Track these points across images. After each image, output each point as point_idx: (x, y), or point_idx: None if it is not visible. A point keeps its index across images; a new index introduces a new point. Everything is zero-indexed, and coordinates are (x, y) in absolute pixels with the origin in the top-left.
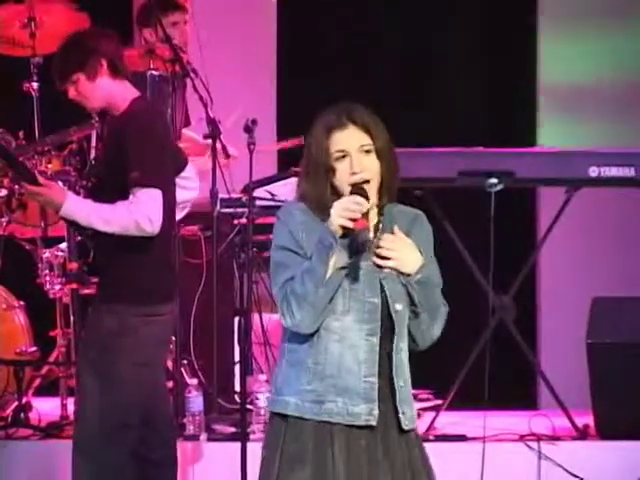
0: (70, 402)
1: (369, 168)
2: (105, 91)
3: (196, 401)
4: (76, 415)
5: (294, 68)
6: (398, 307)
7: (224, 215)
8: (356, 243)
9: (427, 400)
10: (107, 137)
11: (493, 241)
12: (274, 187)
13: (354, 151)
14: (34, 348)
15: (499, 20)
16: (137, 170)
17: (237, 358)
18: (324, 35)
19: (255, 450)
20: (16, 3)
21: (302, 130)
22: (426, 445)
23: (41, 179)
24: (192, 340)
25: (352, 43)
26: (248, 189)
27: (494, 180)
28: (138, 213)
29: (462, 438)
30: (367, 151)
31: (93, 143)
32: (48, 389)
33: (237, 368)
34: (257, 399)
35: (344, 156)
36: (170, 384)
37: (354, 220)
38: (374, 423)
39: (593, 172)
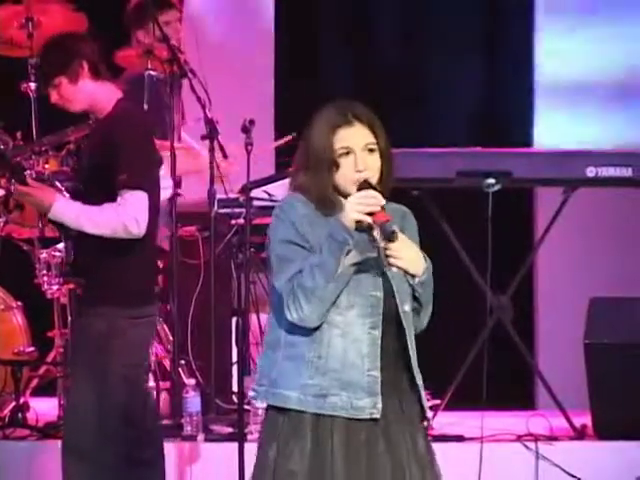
0: None
1: (372, 167)
2: (87, 93)
3: (194, 401)
4: (67, 418)
5: (292, 68)
6: (407, 308)
7: (222, 215)
8: (384, 235)
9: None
10: (93, 139)
11: (491, 241)
12: (272, 187)
13: (359, 149)
14: (32, 348)
15: (498, 19)
16: (125, 172)
17: (235, 358)
18: (322, 35)
19: (253, 450)
20: (14, 4)
21: (300, 131)
22: None
23: (31, 180)
24: (190, 340)
25: (350, 43)
26: (246, 189)
27: (492, 180)
28: (125, 215)
29: (460, 438)
30: (371, 150)
31: None
32: (46, 389)
33: (235, 368)
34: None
35: (347, 153)
36: (167, 384)
37: (371, 214)
38: (378, 416)
39: (590, 172)
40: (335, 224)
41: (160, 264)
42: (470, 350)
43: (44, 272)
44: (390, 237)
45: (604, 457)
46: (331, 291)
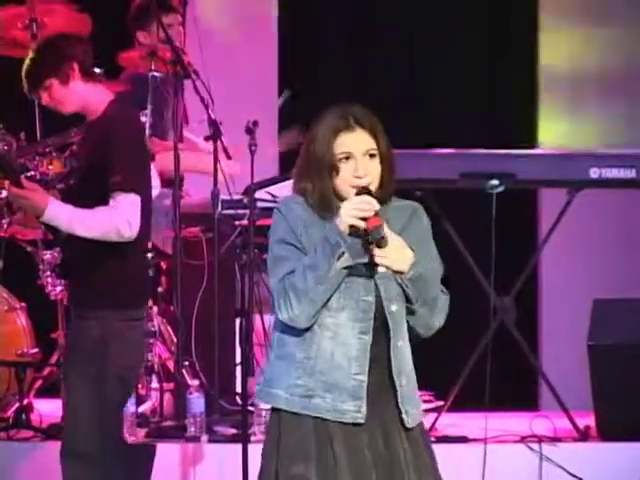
0: None
1: (372, 172)
2: (79, 95)
3: (197, 402)
4: (67, 422)
5: (295, 69)
6: (393, 308)
7: (225, 217)
8: (372, 240)
9: (428, 402)
10: (86, 140)
11: (494, 242)
12: (275, 189)
13: (360, 155)
14: (35, 349)
15: (500, 19)
16: (119, 174)
17: (238, 359)
18: (325, 36)
19: (256, 451)
20: (17, 4)
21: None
22: None
23: (25, 182)
24: (193, 341)
25: (353, 44)
26: (249, 191)
27: (495, 182)
28: (118, 218)
29: (463, 439)
30: (372, 155)
31: None
32: (49, 390)
33: (238, 369)
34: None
35: (348, 158)
36: (171, 385)
37: (364, 219)
38: (362, 421)
39: (594, 173)
40: (329, 227)
41: (163, 265)
42: (473, 351)
43: (47, 273)
44: (379, 242)
45: (607, 458)
46: (322, 293)
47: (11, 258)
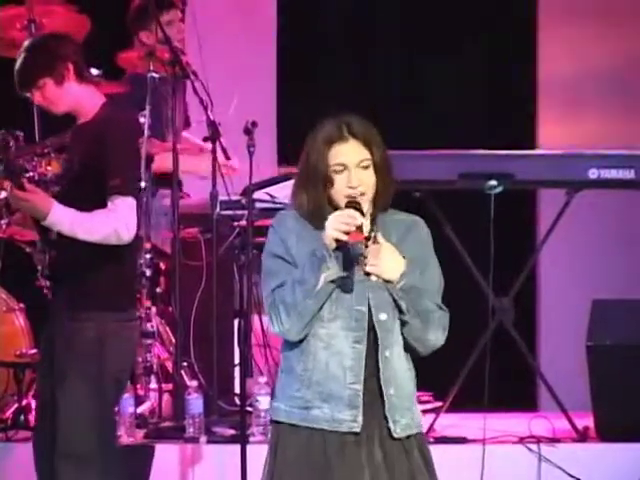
0: None
1: (366, 182)
2: (72, 95)
3: (196, 403)
4: (63, 425)
5: (294, 69)
6: (382, 317)
7: (224, 217)
8: (350, 256)
9: (427, 402)
10: (78, 142)
11: (493, 243)
12: (274, 189)
13: (353, 166)
14: (34, 350)
15: (500, 19)
16: (117, 178)
17: (237, 360)
18: (324, 36)
19: (255, 452)
20: (16, 5)
21: (302, 132)
22: None
23: (27, 185)
24: (192, 342)
25: (353, 44)
26: (248, 191)
27: (494, 182)
28: (117, 222)
29: (462, 440)
30: (365, 166)
31: None
32: None
33: (237, 370)
34: (257, 401)
35: (342, 169)
36: (170, 386)
37: (348, 233)
38: (358, 430)
39: (593, 174)
40: (317, 241)
41: (162, 266)
42: (472, 352)
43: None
44: (357, 258)
45: (606, 459)
46: (310, 306)
47: (9, 259)
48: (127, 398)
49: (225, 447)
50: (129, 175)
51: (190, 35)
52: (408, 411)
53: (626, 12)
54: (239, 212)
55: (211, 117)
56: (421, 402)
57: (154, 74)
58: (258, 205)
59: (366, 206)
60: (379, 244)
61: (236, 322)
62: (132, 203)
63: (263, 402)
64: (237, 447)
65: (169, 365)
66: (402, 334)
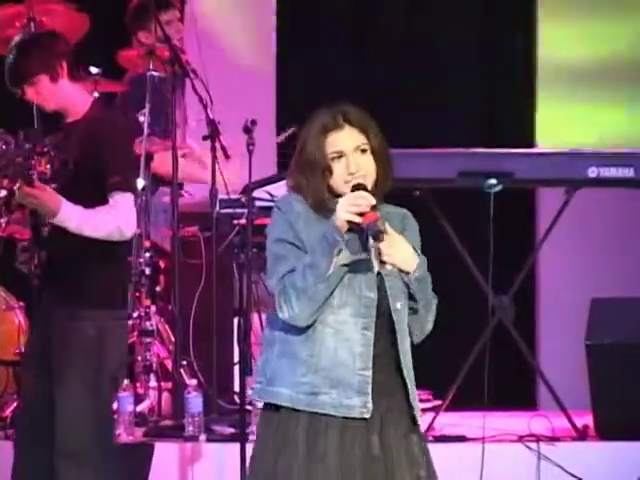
0: None
1: (365, 167)
2: (65, 93)
3: (195, 402)
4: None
5: (294, 69)
6: (398, 305)
7: (223, 216)
8: (369, 234)
9: (426, 401)
10: (70, 141)
11: (492, 242)
12: (273, 188)
13: (350, 151)
14: None
15: (499, 16)
16: (118, 175)
17: (236, 358)
18: (324, 34)
19: None
20: (15, 3)
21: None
22: None
23: (37, 183)
24: (191, 341)
25: (353, 43)
26: (247, 190)
27: (493, 181)
28: (119, 218)
29: (461, 439)
30: (363, 150)
31: None
32: None
33: (236, 369)
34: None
35: (340, 156)
36: (169, 385)
37: (361, 215)
38: (367, 416)
39: (592, 172)
40: (327, 225)
41: (162, 264)
42: (472, 350)
43: None
44: (376, 236)
45: (606, 457)
46: (321, 291)
47: (9, 257)
48: (127, 396)
49: (224, 446)
50: (128, 172)
51: (190, 35)
52: (417, 399)
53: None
54: (239, 210)
55: (210, 115)
56: (420, 400)
57: (154, 73)
58: (258, 204)
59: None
60: (390, 234)
61: (235, 320)
62: (132, 199)
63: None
64: (236, 445)
65: (168, 363)
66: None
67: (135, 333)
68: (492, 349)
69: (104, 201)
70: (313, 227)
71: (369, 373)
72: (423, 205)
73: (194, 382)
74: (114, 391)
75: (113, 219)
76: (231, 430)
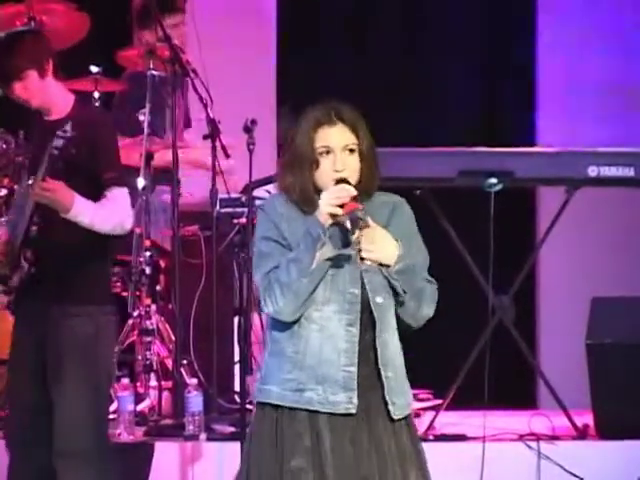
0: None
1: (351, 166)
2: (51, 90)
3: (196, 401)
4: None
5: (294, 69)
6: (379, 300)
7: (224, 215)
8: (351, 223)
9: (427, 400)
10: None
11: (493, 241)
12: (273, 187)
13: (339, 149)
14: None
15: (500, 18)
16: (112, 171)
17: (237, 358)
18: (324, 34)
19: None
20: (16, 3)
21: None
22: (426, 445)
23: (49, 179)
24: (192, 340)
25: (353, 43)
26: (247, 189)
27: (494, 180)
28: (120, 212)
29: (462, 438)
30: (351, 150)
31: None
32: None
33: (237, 368)
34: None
35: (328, 152)
36: (170, 384)
37: (342, 206)
38: (354, 411)
39: (592, 172)
40: (311, 220)
41: (162, 263)
42: (472, 350)
43: None
44: (356, 224)
45: (606, 457)
46: (305, 286)
47: None
48: (127, 396)
49: (225, 445)
50: (121, 168)
51: (190, 35)
52: (405, 393)
53: (625, 11)
54: (239, 210)
55: (211, 115)
56: (421, 400)
57: (154, 72)
58: (258, 203)
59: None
60: (371, 228)
61: (236, 320)
62: (127, 193)
63: None
64: (237, 444)
65: (169, 363)
66: (396, 315)
67: (135, 332)
68: (492, 349)
69: (97, 198)
70: (297, 225)
71: (354, 369)
72: (423, 204)
73: (194, 381)
74: (109, 388)
75: (117, 213)
76: (231, 429)
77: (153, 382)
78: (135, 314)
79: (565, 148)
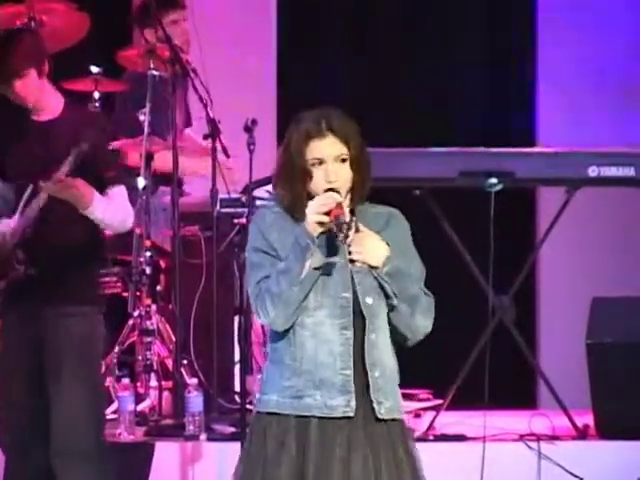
0: None
1: (343, 177)
2: (46, 90)
3: (196, 401)
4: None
5: (294, 68)
6: (368, 301)
7: (224, 215)
8: (337, 228)
9: (427, 400)
10: (51, 138)
11: (493, 241)
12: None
13: (331, 160)
14: None
15: (500, 17)
16: (112, 170)
17: (237, 358)
18: (324, 34)
19: None
20: (16, 3)
21: None
22: (426, 445)
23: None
24: (192, 340)
25: (353, 43)
26: (248, 189)
27: (494, 180)
28: (123, 210)
29: (462, 438)
30: (343, 160)
31: None
32: None
33: (237, 368)
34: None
35: (320, 163)
36: (170, 384)
37: (328, 214)
38: (351, 414)
39: (593, 172)
40: (299, 230)
41: (162, 264)
42: (472, 350)
43: None
44: (341, 228)
45: (606, 457)
46: (296, 294)
47: None
48: (127, 396)
49: (225, 445)
50: (119, 167)
51: (191, 35)
52: (392, 394)
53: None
54: (239, 210)
55: (211, 114)
56: (421, 400)
57: (154, 72)
58: (258, 203)
59: (343, 198)
60: (361, 232)
61: (236, 320)
62: (126, 192)
63: None
64: (237, 445)
65: (169, 363)
66: (390, 323)
67: (136, 332)
68: (492, 349)
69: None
70: (287, 235)
71: (350, 372)
72: (423, 205)
73: (194, 381)
74: (104, 386)
75: (119, 210)
76: (232, 429)
77: (153, 382)
78: (135, 314)
79: (565, 148)
